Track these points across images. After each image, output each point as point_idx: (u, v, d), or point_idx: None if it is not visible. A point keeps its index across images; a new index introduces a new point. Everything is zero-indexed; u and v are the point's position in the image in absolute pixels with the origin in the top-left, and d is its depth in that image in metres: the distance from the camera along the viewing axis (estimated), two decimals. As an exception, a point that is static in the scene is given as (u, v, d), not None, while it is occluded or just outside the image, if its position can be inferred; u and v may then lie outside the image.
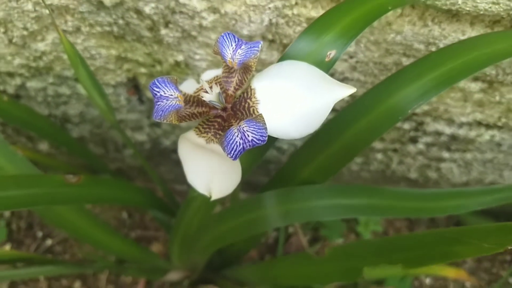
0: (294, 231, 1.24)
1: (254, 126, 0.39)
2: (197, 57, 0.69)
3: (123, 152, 1.11)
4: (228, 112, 0.45)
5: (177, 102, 0.41)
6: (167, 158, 1.11)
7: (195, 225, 0.76)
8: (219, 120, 0.45)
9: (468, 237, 0.52)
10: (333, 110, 0.77)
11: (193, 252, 0.82)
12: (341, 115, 0.57)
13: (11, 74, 0.82)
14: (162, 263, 1.06)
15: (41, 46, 0.72)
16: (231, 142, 0.39)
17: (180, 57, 0.70)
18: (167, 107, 0.41)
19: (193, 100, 0.44)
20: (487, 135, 0.82)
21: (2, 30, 0.69)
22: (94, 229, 0.82)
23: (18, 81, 0.83)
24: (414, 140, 0.88)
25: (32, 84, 0.83)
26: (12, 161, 0.69)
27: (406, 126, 0.82)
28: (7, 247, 1.28)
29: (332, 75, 0.70)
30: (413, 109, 0.50)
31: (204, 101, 0.44)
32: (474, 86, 0.69)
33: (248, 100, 0.44)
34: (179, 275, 1.08)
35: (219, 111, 0.45)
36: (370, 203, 0.62)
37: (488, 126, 0.80)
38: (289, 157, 0.65)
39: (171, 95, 0.41)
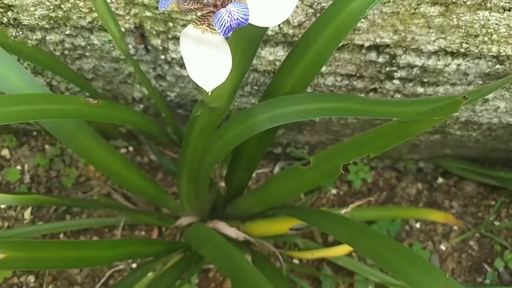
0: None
1: (239, 7, 0.51)
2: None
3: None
4: (219, 8, 0.56)
5: (177, -5, 0.53)
6: (174, 114, 1.21)
7: (199, 150, 0.86)
8: (211, 14, 0.56)
9: (420, 117, 0.63)
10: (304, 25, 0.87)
11: (199, 179, 0.92)
12: (313, 26, 0.69)
13: (32, 29, 0.93)
14: (173, 204, 1.16)
15: (60, -7, 0.84)
16: (220, 19, 0.51)
17: (179, -5, 0.82)
18: (168, -2, 0.53)
19: (190, -1, 0.56)
20: (453, 64, 0.93)
21: (27, -21, 0.81)
22: (111, 159, 0.92)
23: (38, 35, 0.94)
24: (390, 77, 0.99)
25: (51, 37, 0.95)
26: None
27: (381, 59, 0.93)
28: (28, 210, 1.37)
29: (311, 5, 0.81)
30: (370, 8, 0.61)
31: (198, -1, 0.56)
32: (434, 10, 0.80)
33: (235, -4, 0.55)
34: (189, 220, 1.18)
35: (211, 7, 0.56)
36: (342, 106, 0.73)
37: (452, 54, 0.90)
38: (274, 74, 0.76)
39: (172, -11, 0.53)
